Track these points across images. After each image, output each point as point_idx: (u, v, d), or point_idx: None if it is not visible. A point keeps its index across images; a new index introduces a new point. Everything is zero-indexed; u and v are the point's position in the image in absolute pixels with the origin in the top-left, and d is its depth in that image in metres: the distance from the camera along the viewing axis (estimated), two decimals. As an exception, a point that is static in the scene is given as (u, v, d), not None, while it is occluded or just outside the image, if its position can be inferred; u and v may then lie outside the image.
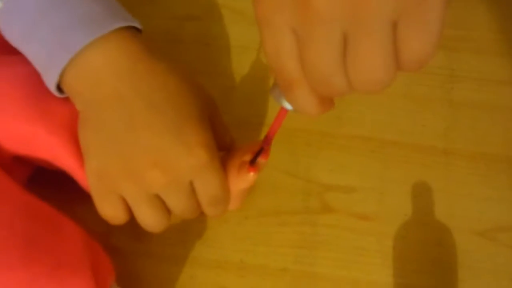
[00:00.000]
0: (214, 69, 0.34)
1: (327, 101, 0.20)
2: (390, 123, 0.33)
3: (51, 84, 0.24)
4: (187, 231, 0.29)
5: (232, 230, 0.29)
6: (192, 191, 0.24)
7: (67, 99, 0.25)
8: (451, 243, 0.30)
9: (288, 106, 0.22)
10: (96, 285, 0.22)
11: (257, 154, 0.25)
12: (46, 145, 0.24)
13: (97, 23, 0.23)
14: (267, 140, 0.24)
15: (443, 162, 0.32)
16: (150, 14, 0.31)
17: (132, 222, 0.25)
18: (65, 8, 0.23)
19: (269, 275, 0.28)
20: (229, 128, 0.28)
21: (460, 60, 0.35)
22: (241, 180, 0.25)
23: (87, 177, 0.24)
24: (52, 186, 0.27)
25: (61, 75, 0.23)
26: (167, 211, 0.25)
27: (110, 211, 0.24)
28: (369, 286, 0.28)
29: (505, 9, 0.36)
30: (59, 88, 0.24)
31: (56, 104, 0.24)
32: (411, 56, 0.17)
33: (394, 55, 0.17)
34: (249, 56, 0.34)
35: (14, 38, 0.24)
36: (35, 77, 0.24)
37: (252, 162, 0.25)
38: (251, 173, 0.25)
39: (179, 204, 0.24)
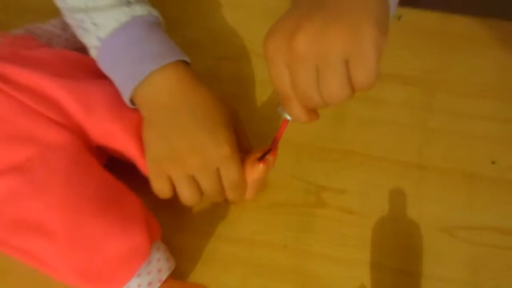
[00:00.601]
0: (242, 95, 0.44)
1: (312, 112, 0.30)
2: (377, 142, 0.42)
3: (126, 98, 0.35)
4: (214, 213, 0.39)
5: (248, 215, 0.39)
6: (218, 177, 0.34)
7: (136, 109, 0.35)
8: (419, 235, 0.38)
9: (288, 117, 0.31)
10: (149, 236, 0.32)
11: (266, 152, 0.34)
12: (121, 140, 0.35)
13: (160, 57, 0.34)
14: (274, 142, 0.34)
15: (417, 174, 0.40)
16: (195, 54, 0.41)
17: (172, 203, 0.35)
18: (141, 48, 0.34)
19: (274, 250, 0.37)
20: (251, 137, 0.38)
21: (436, 96, 0.44)
22: (254, 171, 0.34)
23: (147, 163, 0.34)
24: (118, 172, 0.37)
25: (133, 92, 0.34)
26: (200, 191, 0.34)
27: (161, 186, 0.34)
28: (351, 262, 0.37)
29: (473, 58, 0.45)
30: (132, 101, 0.35)
31: (129, 112, 0.35)
32: (359, 83, 0.26)
33: (348, 82, 0.26)
34: (267, 87, 0.44)
35: (104, 67, 0.36)
36: (116, 93, 0.35)
37: (262, 158, 0.34)
38: (261, 165, 0.34)
39: (208, 186, 0.34)
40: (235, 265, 0.37)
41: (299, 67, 0.27)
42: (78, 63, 0.37)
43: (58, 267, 0.31)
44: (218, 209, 0.39)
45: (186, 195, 0.34)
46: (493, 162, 0.41)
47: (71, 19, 0.36)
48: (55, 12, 0.40)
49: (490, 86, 0.45)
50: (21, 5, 0.51)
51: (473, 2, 0.51)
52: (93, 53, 0.36)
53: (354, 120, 0.43)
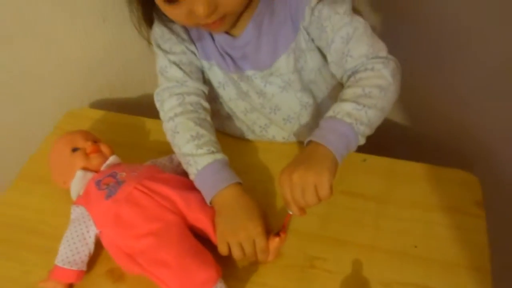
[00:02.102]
0: (269, 203, 0.75)
1: (302, 210, 0.61)
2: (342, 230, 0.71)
3: (207, 201, 0.66)
4: (252, 266, 0.67)
5: (271, 267, 0.67)
6: (254, 245, 0.64)
7: (212, 206, 0.67)
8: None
9: (290, 212, 0.62)
10: (217, 273, 0.61)
11: (279, 232, 0.64)
12: (204, 223, 0.66)
13: (226, 181, 0.67)
14: (283, 227, 0.64)
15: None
16: (244, 179, 0.74)
17: (227, 259, 0.64)
18: (217, 176, 0.67)
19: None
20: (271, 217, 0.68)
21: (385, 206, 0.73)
22: (273, 243, 0.64)
23: (217, 236, 0.65)
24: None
25: (211, 199, 0.66)
26: (244, 252, 0.64)
27: (223, 249, 0.64)
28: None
29: (411, 185, 0.76)
30: (210, 202, 0.67)
31: (208, 208, 0.67)
32: (321, 196, 0.58)
33: (316, 195, 0.58)
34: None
35: (198, 185, 0.68)
36: (202, 198, 0.67)
37: (277, 234, 0.64)
38: (277, 239, 0.64)
39: (248, 250, 0.63)
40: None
41: (294, 189, 0.58)
42: (184, 182, 0.70)
43: (172, 285, 0.60)
44: (253, 265, 0.67)
45: (236, 254, 0.64)
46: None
47: (182, 158, 0.71)
48: (162, 151, 0.75)
49: (419, 200, 0.74)
50: (141, 146, 0.86)
51: (414, 151, 0.83)
52: (191, 177, 0.69)
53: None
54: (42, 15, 0.87)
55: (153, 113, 0.80)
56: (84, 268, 0.64)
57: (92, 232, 0.65)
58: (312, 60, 0.73)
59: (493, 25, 0.76)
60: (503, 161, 0.82)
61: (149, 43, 0.78)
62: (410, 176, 0.78)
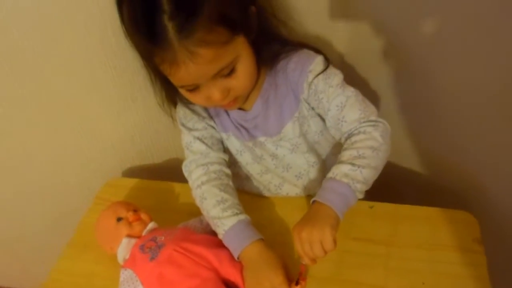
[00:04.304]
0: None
1: (313, 260, 0.71)
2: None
3: (235, 257, 0.77)
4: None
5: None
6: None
7: (240, 262, 0.77)
8: None
9: (304, 262, 0.72)
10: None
11: (298, 280, 0.74)
12: (235, 277, 0.76)
13: (250, 239, 0.77)
14: (301, 275, 0.74)
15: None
16: (264, 234, 0.84)
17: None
18: (242, 235, 0.77)
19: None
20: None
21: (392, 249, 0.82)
22: (295, 290, 0.74)
23: (246, 286, 0.74)
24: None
25: (239, 255, 0.76)
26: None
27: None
28: None
29: (415, 228, 0.85)
30: (238, 258, 0.77)
31: (237, 263, 0.77)
32: (326, 248, 0.68)
33: (322, 248, 0.68)
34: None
35: (226, 243, 0.79)
36: (231, 255, 0.77)
37: (297, 283, 0.73)
38: (298, 287, 0.73)
39: (273, 297, 0.73)
40: None
41: (304, 244, 0.69)
42: (214, 241, 0.80)
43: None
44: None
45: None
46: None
47: (210, 221, 0.81)
48: (191, 212, 0.86)
49: (424, 240, 0.83)
50: (172, 209, 0.98)
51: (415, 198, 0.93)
52: (220, 237, 0.80)
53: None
54: (80, 98, 1.00)
55: (179, 177, 0.92)
56: (137, 324, 0.75)
57: (139, 291, 0.75)
58: (314, 125, 0.85)
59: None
60: (496, 200, 0.91)
61: (172, 118, 0.91)
62: (414, 219, 0.87)
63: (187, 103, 0.86)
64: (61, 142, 1.04)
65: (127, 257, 0.79)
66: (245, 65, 0.72)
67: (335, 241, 0.68)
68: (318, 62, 0.78)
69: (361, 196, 0.74)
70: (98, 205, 0.98)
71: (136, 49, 0.71)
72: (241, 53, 0.70)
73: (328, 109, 0.79)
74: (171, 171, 1.02)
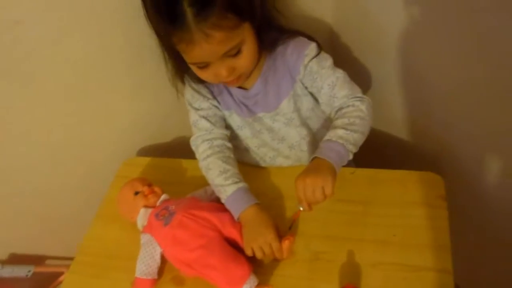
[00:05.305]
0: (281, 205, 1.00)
1: (310, 206, 0.85)
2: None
3: (235, 218, 0.92)
4: (272, 263, 0.92)
5: (286, 262, 0.91)
6: (271, 247, 0.88)
7: (240, 222, 0.92)
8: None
9: (301, 208, 0.86)
10: (249, 269, 0.85)
11: (290, 226, 0.89)
12: (235, 235, 0.91)
13: (247, 203, 0.92)
14: (293, 223, 0.89)
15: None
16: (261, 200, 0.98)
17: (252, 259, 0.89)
18: (240, 200, 0.92)
19: (295, 278, 0.89)
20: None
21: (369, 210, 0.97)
22: (284, 244, 0.88)
23: (244, 243, 0.89)
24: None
25: (238, 216, 0.91)
26: (264, 253, 0.88)
27: (248, 251, 0.88)
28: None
29: (391, 189, 0.99)
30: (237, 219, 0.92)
31: (237, 223, 0.92)
32: (327, 193, 0.81)
33: (323, 193, 0.81)
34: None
35: (226, 206, 0.94)
36: (232, 216, 0.93)
37: (286, 238, 0.88)
38: (287, 241, 0.88)
39: (267, 250, 0.88)
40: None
41: (307, 189, 0.82)
42: (217, 206, 0.95)
43: (219, 281, 0.85)
44: (272, 262, 0.92)
45: (258, 255, 0.88)
46: None
47: (214, 188, 0.96)
48: (198, 184, 1.01)
49: (396, 199, 0.97)
50: (181, 182, 1.12)
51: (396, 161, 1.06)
52: (222, 201, 0.94)
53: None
54: (98, 90, 1.12)
55: (186, 154, 1.06)
56: (156, 277, 0.91)
57: (158, 251, 0.91)
58: (306, 102, 0.99)
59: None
60: (463, 159, 1.03)
61: (177, 91, 1.03)
62: (389, 181, 1.01)
63: (193, 86, 1.00)
64: (85, 130, 1.17)
65: (145, 224, 0.95)
66: (249, 47, 0.84)
67: (334, 188, 0.81)
68: (312, 47, 0.92)
69: (351, 156, 0.87)
70: (118, 182, 1.13)
71: (154, 30, 0.83)
72: (246, 37, 0.82)
73: (321, 87, 0.93)
74: (179, 150, 1.17)
